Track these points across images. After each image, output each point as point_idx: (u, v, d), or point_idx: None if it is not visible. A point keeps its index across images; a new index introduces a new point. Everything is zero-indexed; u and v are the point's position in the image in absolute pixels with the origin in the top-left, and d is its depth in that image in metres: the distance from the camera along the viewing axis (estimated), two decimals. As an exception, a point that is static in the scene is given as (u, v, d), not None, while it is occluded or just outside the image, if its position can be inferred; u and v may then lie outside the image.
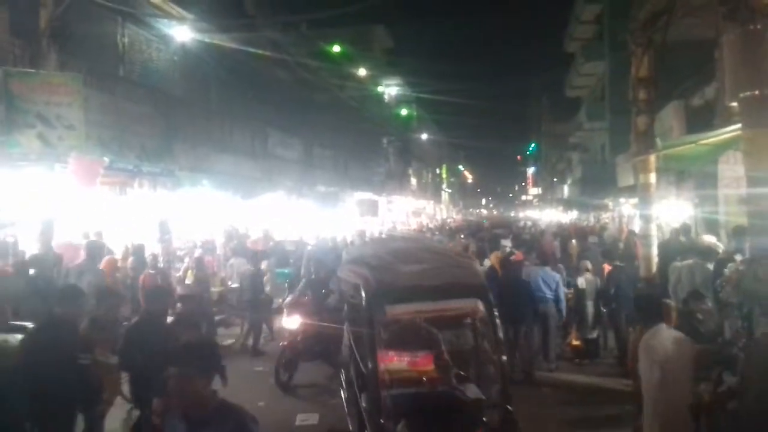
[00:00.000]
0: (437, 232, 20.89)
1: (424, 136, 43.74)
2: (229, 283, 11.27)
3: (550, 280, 8.46)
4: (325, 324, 7.34)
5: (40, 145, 8.70)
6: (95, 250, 8.79)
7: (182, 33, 13.29)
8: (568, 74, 33.67)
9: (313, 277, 9.45)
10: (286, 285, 10.16)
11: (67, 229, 9.66)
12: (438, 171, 57.32)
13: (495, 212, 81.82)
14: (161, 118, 12.42)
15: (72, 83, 9.13)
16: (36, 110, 8.75)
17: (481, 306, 4.78)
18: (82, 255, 8.79)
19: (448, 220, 40.16)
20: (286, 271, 12.36)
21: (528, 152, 75.99)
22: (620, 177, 15.59)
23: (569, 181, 36.68)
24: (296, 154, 20.33)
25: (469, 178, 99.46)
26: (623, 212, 18.49)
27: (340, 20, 24.82)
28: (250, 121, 16.98)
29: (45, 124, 8.76)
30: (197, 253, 11.05)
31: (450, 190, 67.49)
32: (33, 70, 9.02)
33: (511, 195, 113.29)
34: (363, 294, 4.65)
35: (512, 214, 65.53)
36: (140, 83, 12.67)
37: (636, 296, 6.34)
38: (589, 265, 9.53)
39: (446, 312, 4.99)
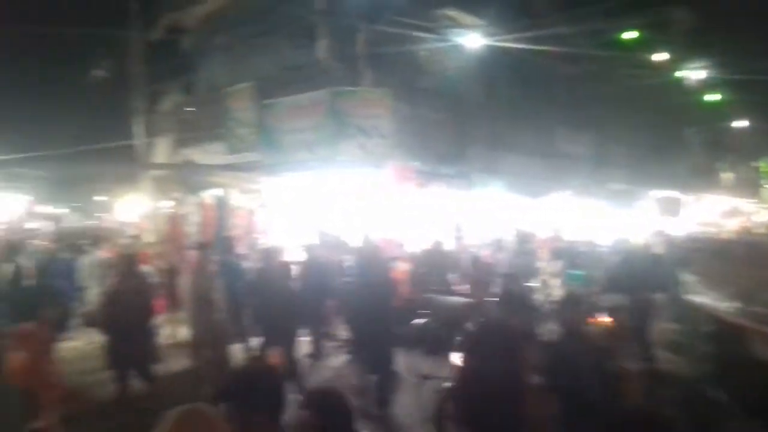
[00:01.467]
0: None
1: (738, 124, 37.76)
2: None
3: None
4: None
5: (361, 153, 10.04)
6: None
7: (473, 40, 13.87)
8: None
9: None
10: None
11: (388, 226, 10.81)
12: (756, 164, 48.88)
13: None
14: (455, 123, 13.16)
15: (384, 98, 10.32)
16: (356, 123, 10.12)
17: None
18: (400, 248, 9.85)
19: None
20: (578, 273, 11.91)
21: None
22: None
23: None
24: (585, 150, 19.49)
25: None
26: None
27: (635, 5, 22.93)
28: (536, 119, 16.87)
29: (363, 135, 10.07)
30: (483, 251, 11.39)
31: (772, 186, 56.92)
32: (353, 89, 10.45)
33: None
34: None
35: None
36: (437, 92, 13.62)
37: None
38: None
39: None
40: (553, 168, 16.60)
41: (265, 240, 11.60)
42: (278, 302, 6.86)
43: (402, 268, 9.27)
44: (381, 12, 10.84)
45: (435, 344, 7.18)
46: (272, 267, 7.48)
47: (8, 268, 8.67)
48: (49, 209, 25.33)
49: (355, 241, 10.31)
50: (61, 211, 27.27)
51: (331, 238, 10.26)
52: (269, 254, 7.64)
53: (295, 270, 8.58)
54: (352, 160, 9.95)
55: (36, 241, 14.73)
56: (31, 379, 4.30)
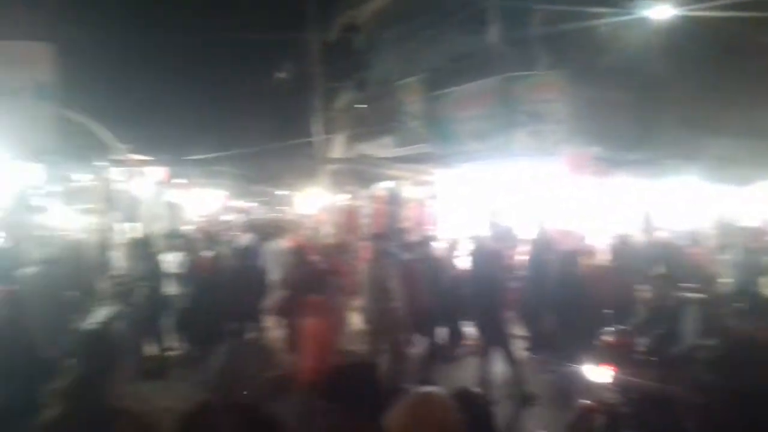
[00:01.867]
0: None
1: None
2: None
3: None
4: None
5: (534, 141, 9.53)
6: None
7: (661, 11, 12.49)
8: None
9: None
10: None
11: (565, 217, 10.19)
12: None
13: None
14: (641, 104, 11.98)
15: (560, 81, 9.69)
16: (530, 109, 9.62)
17: None
18: (581, 241, 9.22)
19: None
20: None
21: None
22: None
23: None
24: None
25: None
26: None
27: None
28: (741, 96, 14.76)
29: (538, 122, 9.55)
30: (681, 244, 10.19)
31: None
32: (526, 73, 9.94)
33: None
34: None
35: None
36: (619, 71, 12.49)
37: None
38: None
39: None
40: (762, 151, 14.42)
41: (436, 232, 11.56)
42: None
43: (593, 262, 8.62)
44: (557, -11, 10.20)
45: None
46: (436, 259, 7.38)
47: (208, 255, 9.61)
48: (240, 203, 27.96)
49: (530, 233, 9.83)
50: (250, 204, 29.97)
51: (503, 230, 9.89)
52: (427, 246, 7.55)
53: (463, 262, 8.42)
54: (525, 149, 9.48)
55: (230, 232, 16.24)
56: (323, 342, 4.84)
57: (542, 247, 8.45)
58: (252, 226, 17.64)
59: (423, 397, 2.09)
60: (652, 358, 5.01)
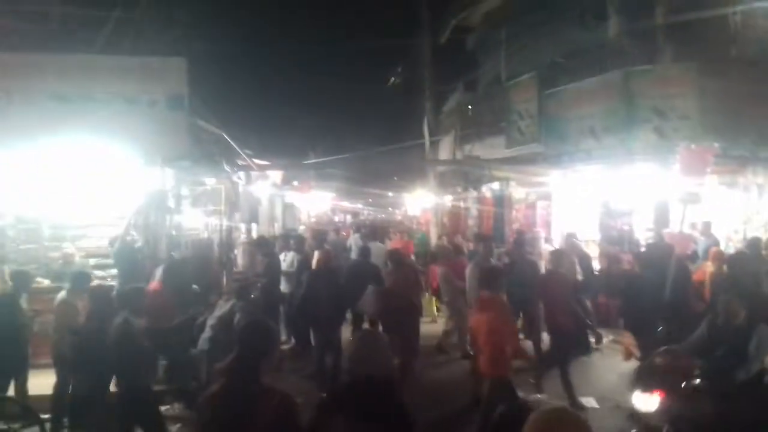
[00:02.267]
0: None
1: None
2: None
3: None
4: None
5: (656, 138, 8.96)
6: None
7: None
8: None
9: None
10: None
11: (678, 220, 9.60)
12: None
13: None
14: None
15: (686, 73, 9.04)
16: (652, 105, 9.05)
17: None
18: (692, 246, 8.62)
19: None
20: None
21: None
22: None
23: None
24: None
25: None
26: None
27: None
28: None
29: (661, 118, 8.96)
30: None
31: None
32: (649, 67, 9.37)
33: None
34: None
35: None
36: (751, 62, 11.43)
37: None
38: None
39: None
40: None
41: (548, 234, 11.23)
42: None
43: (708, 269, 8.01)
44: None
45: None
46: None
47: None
48: (350, 204, 28.73)
49: (646, 235, 9.30)
50: (360, 205, 30.67)
51: (616, 233, 9.43)
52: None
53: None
54: (647, 147, 8.92)
55: (339, 232, 16.74)
56: (496, 336, 5.02)
57: (661, 251, 7.96)
58: (361, 227, 18.13)
59: (557, 414, 2.03)
60: (710, 384, 4.39)
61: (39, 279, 7.75)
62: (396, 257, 8.43)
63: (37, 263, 8.53)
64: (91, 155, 7.54)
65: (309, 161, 16.99)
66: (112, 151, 7.43)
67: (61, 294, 6.23)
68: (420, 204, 18.09)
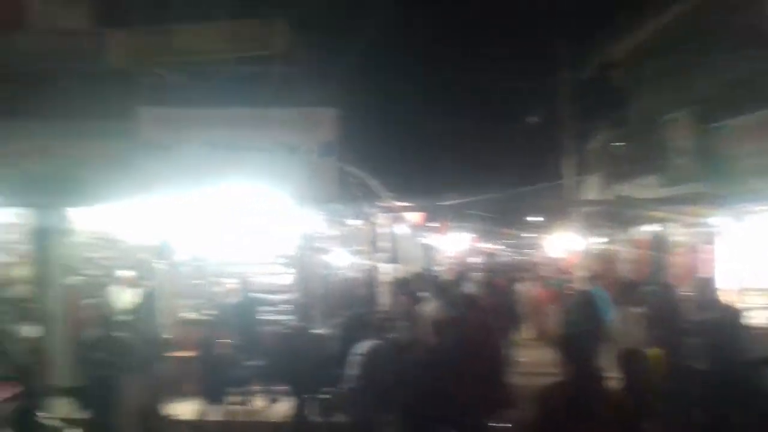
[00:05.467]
0: None
1: None
2: None
3: None
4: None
5: None
6: None
7: None
8: None
9: None
10: None
11: None
12: None
13: None
14: None
15: None
16: None
17: None
18: None
19: None
20: None
21: None
22: None
23: None
24: None
25: None
26: None
27: None
28: None
29: None
30: None
31: None
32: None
33: None
34: None
35: None
36: None
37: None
38: None
39: None
40: None
41: (712, 280, 10.23)
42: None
43: None
44: None
45: None
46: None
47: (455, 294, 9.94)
48: (486, 245, 28.37)
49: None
50: (497, 246, 30.14)
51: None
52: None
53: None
54: None
55: (476, 273, 16.52)
56: None
57: None
58: (499, 269, 17.78)
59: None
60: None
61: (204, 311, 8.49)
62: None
63: (203, 298, 9.36)
64: (252, 199, 8.22)
65: (446, 203, 17.10)
66: (271, 195, 8.04)
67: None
68: (562, 247, 17.37)
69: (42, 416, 5.53)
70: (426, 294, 9.55)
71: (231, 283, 9.35)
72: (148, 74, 8.97)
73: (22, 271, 8.30)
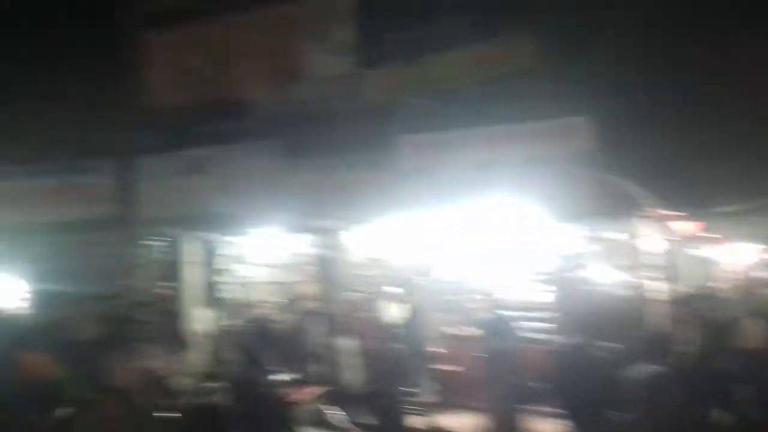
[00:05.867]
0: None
1: None
2: None
3: None
4: None
5: None
6: None
7: None
8: None
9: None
10: None
11: None
12: None
13: None
14: None
15: None
16: None
17: None
18: None
19: None
20: None
21: None
22: None
23: None
24: None
25: None
26: None
27: None
28: None
29: None
30: None
31: None
32: None
33: None
34: None
35: None
36: None
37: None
38: None
39: None
40: None
41: None
42: None
43: None
44: None
45: None
46: None
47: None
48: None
49: None
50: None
51: None
52: None
53: None
54: None
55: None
56: None
57: None
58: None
59: None
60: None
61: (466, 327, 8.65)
62: None
63: (464, 314, 9.56)
64: (510, 215, 8.19)
65: (722, 209, 14.83)
66: (529, 210, 7.92)
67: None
68: None
69: (339, 417, 6.19)
70: (712, 313, 8.36)
71: (489, 300, 9.41)
72: (405, 105, 9.64)
73: (310, 288, 9.52)
